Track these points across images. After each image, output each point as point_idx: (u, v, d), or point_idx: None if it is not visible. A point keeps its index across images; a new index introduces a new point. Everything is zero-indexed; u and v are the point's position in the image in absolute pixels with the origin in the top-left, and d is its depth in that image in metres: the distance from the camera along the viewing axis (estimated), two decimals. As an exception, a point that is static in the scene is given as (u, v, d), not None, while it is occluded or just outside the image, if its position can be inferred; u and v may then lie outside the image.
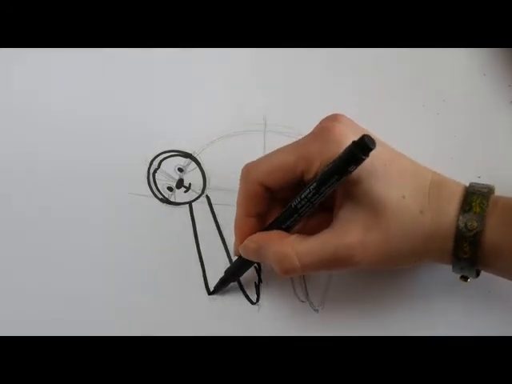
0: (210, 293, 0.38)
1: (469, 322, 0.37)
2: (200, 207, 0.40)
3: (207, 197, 0.41)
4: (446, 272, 0.34)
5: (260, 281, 0.38)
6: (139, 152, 0.41)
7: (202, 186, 0.41)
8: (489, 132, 0.42)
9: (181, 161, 0.41)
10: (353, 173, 0.29)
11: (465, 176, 0.41)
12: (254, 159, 0.34)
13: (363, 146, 0.27)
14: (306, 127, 0.42)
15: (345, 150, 0.29)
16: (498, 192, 0.33)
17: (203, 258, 0.39)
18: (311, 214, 0.33)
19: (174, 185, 0.41)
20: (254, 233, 0.34)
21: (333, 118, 0.33)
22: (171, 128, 0.42)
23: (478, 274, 0.33)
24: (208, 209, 0.40)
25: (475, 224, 0.30)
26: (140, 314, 0.37)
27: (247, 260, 0.35)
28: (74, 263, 0.38)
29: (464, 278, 0.34)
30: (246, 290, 0.38)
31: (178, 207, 0.40)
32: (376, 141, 0.28)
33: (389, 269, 0.33)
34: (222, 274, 0.38)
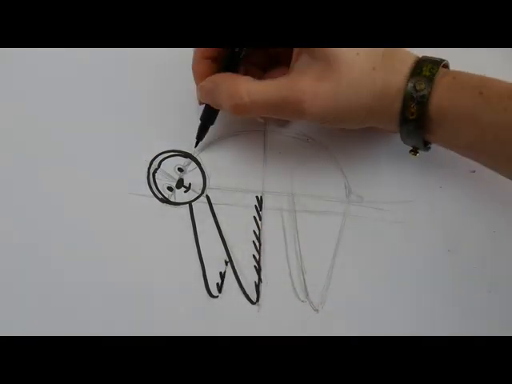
0: (197, 143, 0.41)
1: (468, 322, 0.37)
2: (200, 207, 0.40)
3: (207, 197, 0.41)
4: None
5: (260, 281, 0.38)
6: (139, 152, 0.41)
7: (201, 186, 0.41)
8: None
9: (181, 161, 0.42)
10: None
11: (465, 176, 0.41)
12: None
13: None
14: (306, 127, 0.42)
15: None
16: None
17: (203, 258, 0.39)
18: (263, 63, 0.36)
19: (173, 185, 0.41)
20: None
21: None
22: (171, 128, 0.42)
23: (425, 146, 0.35)
24: (208, 209, 0.40)
25: (423, 86, 0.32)
26: (140, 313, 0.37)
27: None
28: (74, 263, 0.38)
29: (414, 152, 0.35)
30: (245, 290, 0.38)
31: (178, 207, 0.40)
32: None
33: (337, 126, 0.35)
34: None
